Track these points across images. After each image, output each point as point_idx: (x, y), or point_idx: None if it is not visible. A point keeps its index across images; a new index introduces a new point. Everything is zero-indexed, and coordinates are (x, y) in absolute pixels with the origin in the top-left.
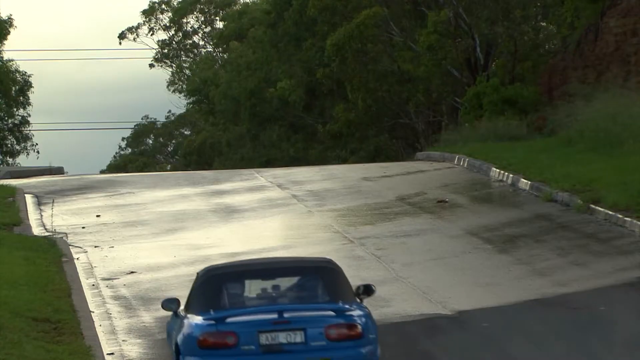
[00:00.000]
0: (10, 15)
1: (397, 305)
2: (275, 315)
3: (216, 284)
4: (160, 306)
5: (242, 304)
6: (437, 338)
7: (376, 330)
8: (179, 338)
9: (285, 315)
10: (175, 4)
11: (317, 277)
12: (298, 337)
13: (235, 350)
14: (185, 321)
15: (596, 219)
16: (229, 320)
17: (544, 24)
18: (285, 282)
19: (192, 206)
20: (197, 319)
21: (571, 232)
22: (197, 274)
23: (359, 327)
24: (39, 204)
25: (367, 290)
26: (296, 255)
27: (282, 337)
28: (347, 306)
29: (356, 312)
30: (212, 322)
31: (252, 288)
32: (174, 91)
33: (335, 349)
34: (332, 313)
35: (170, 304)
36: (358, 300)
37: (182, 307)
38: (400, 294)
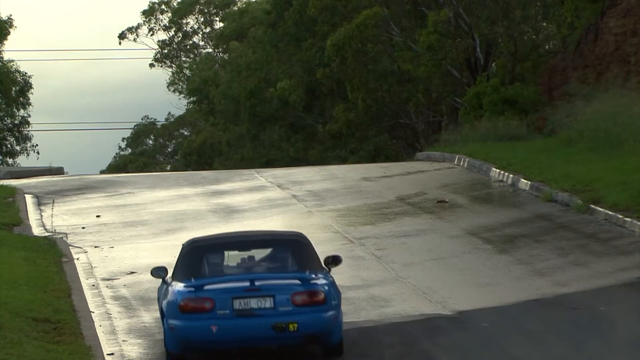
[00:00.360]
0: (10, 15)
1: (397, 305)
2: (247, 284)
3: (197, 255)
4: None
5: (219, 273)
6: (437, 338)
7: (339, 297)
8: (164, 303)
9: (257, 283)
10: (175, 4)
11: (287, 249)
12: (267, 303)
13: (212, 314)
14: (170, 288)
15: (596, 219)
16: (207, 287)
17: (544, 24)
18: (260, 254)
19: (192, 206)
20: (179, 286)
21: (571, 232)
22: (182, 245)
23: (323, 294)
24: (39, 204)
25: (335, 260)
26: (270, 229)
27: (254, 303)
28: (313, 275)
29: (321, 281)
30: (192, 289)
31: (230, 258)
32: (174, 91)
33: (300, 314)
34: (298, 282)
35: (159, 271)
36: (326, 270)
37: (169, 275)
38: (400, 294)
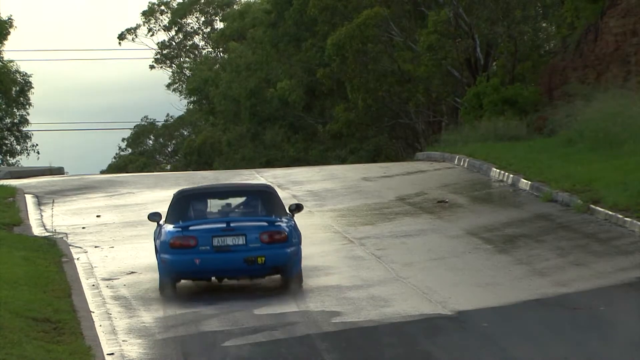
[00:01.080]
0: (10, 15)
1: (397, 305)
2: (224, 225)
3: (184, 202)
4: (159, 306)
5: (202, 217)
6: (437, 338)
7: (299, 237)
8: (157, 242)
9: (232, 224)
10: (174, 4)
11: (258, 198)
12: (240, 240)
13: (195, 249)
14: (162, 229)
15: (596, 219)
16: (191, 228)
17: (544, 24)
18: (235, 201)
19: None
20: (170, 227)
21: (571, 232)
22: (173, 194)
23: (285, 233)
24: (39, 204)
25: (298, 207)
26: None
27: (229, 240)
28: (278, 219)
29: (284, 223)
30: (180, 229)
31: (211, 205)
32: (173, 90)
33: (267, 249)
34: (265, 223)
35: (154, 216)
36: (290, 215)
37: (163, 219)
38: (400, 294)
